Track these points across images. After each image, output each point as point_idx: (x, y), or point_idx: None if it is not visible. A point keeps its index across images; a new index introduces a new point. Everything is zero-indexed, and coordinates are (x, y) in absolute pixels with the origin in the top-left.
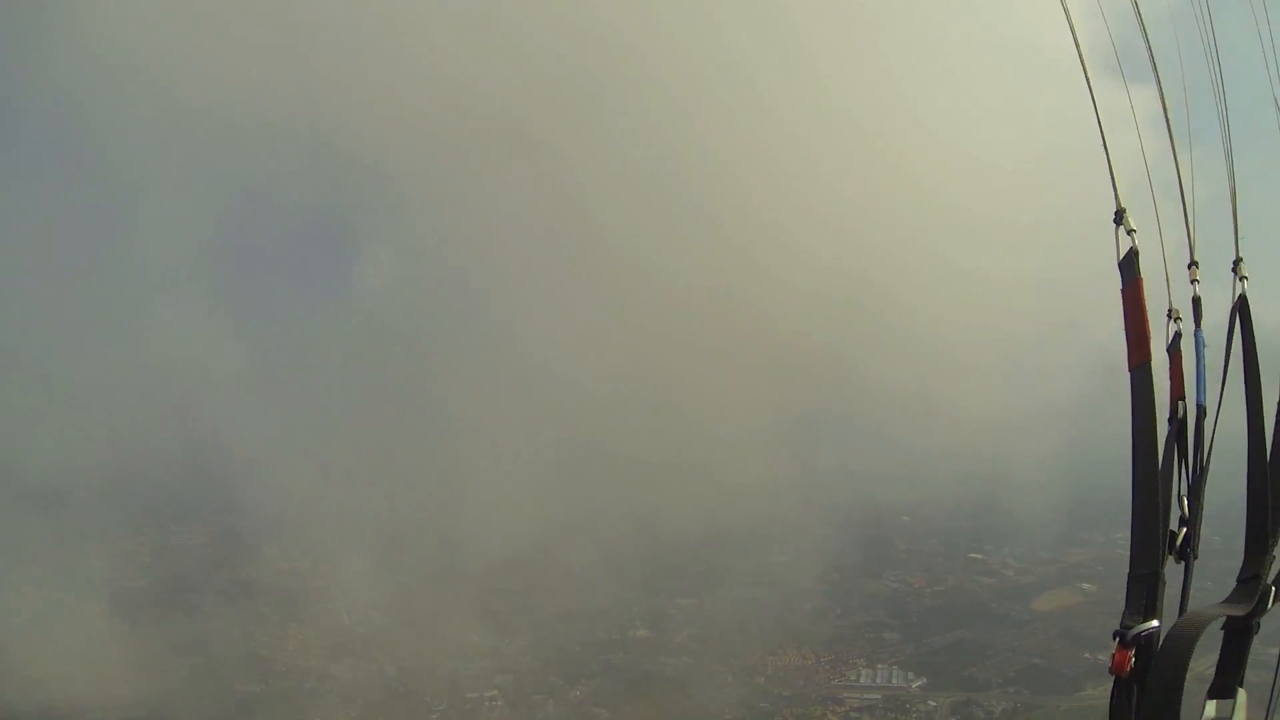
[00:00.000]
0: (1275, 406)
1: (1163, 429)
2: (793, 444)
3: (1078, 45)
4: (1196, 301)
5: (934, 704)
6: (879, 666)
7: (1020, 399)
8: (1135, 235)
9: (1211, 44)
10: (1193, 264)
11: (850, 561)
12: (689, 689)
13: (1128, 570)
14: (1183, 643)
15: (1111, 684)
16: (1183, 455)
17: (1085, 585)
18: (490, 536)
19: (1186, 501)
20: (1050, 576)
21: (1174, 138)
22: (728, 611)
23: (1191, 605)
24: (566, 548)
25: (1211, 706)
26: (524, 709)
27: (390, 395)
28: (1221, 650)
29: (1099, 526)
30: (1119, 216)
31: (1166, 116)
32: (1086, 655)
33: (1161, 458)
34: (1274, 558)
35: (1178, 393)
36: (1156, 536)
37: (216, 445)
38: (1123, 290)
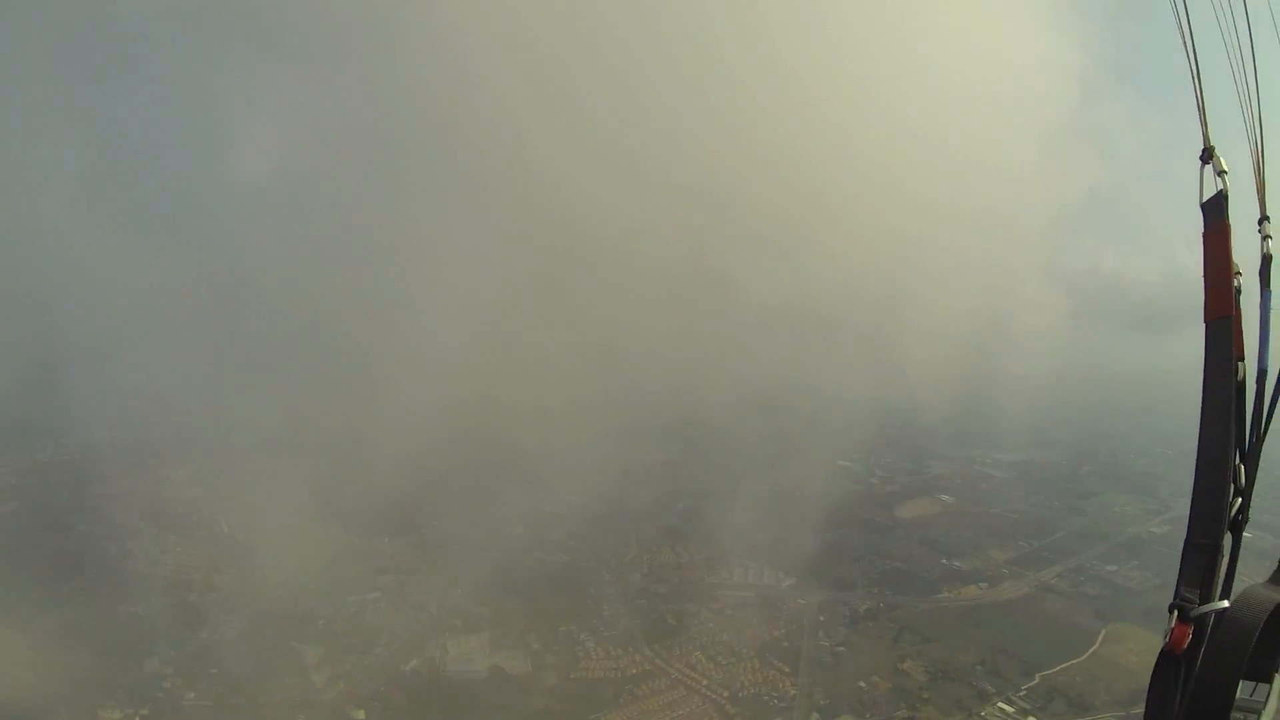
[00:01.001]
0: None
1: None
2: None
3: None
4: (1266, 259)
5: (803, 602)
6: (751, 566)
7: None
8: (1226, 177)
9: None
10: (1264, 219)
11: (730, 464)
12: (568, 586)
13: (1185, 538)
14: (1245, 625)
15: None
16: (1239, 419)
17: (945, 497)
18: (380, 449)
19: (1245, 469)
20: (912, 487)
21: (1245, 84)
22: (601, 512)
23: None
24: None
25: (1246, 688)
26: (407, 610)
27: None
28: (1263, 630)
29: (961, 444)
30: (1207, 155)
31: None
32: (944, 561)
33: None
34: None
35: (1237, 353)
36: (1221, 504)
37: (71, 344)
38: (1205, 234)
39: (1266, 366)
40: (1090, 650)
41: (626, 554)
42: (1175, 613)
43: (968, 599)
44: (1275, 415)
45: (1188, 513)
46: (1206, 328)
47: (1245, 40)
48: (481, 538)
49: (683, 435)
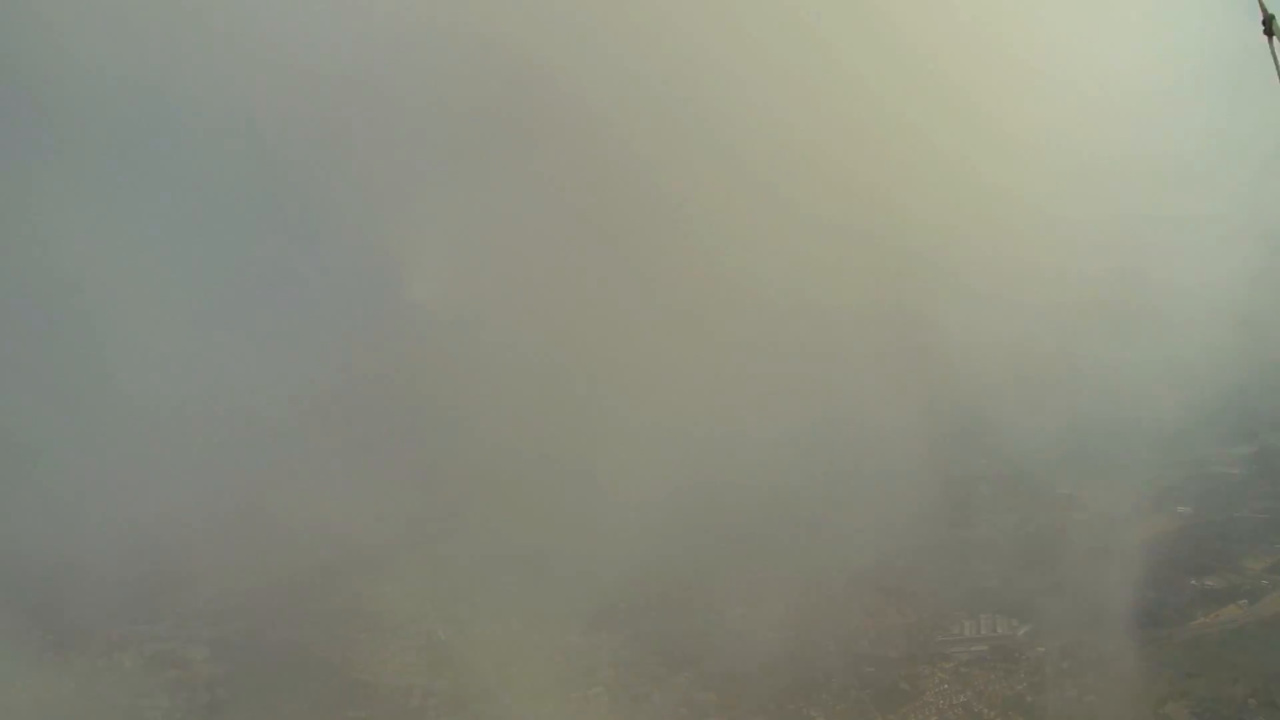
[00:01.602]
0: None
1: None
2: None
3: None
4: None
5: (1042, 649)
6: (981, 617)
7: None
8: None
9: None
10: None
11: (934, 511)
12: (794, 661)
13: None
14: None
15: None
16: None
17: (1181, 509)
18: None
19: None
20: (1143, 503)
21: None
22: (816, 581)
23: None
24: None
25: None
26: (629, 702)
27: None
28: None
29: (1187, 446)
30: (1269, 24)
31: None
32: (1193, 582)
33: None
34: None
35: None
36: None
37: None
38: None
39: None
40: None
41: (850, 621)
42: None
43: (1227, 620)
44: None
45: None
46: None
47: None
48: (700, 624)
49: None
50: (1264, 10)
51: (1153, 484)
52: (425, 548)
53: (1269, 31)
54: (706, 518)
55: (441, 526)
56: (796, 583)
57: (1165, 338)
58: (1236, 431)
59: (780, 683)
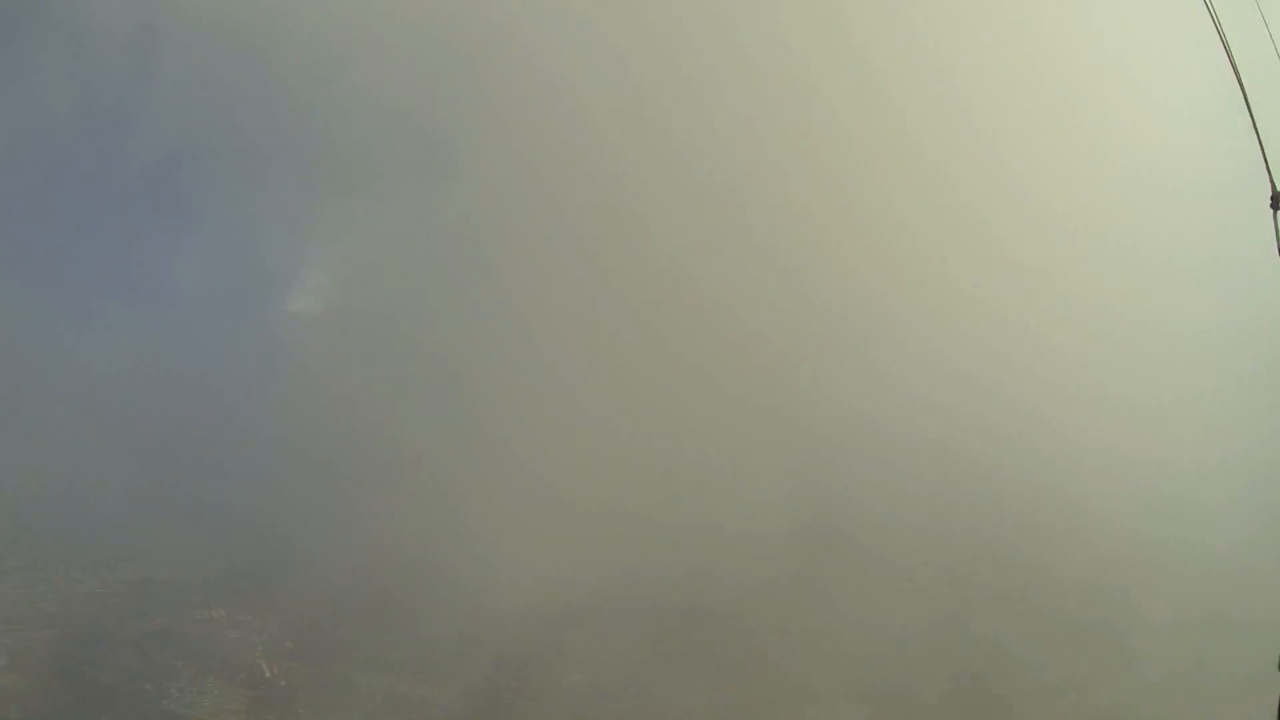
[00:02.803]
0: None
1: None
2: None
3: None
4: None
5: None
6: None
7: None
8: None
9: None
10: None
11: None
12: None
13: None
14: None
15: None
16: None
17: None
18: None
19: None
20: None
21: None
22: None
23: None
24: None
25: None
26: None
27: None
28: None
29: None
30: (1277, 201)
31: None
32: None
33: None
34: None
35: None
36: None
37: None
38: None
39: None
40: None
41: None
42: None
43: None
44: None
45: None
46: None
47: None
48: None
49: None
50: (1274, 186)
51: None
52: (261, 574)
53: (1275, 206)
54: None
55: (282, 551)
56: None
57: None
58: None
59: None
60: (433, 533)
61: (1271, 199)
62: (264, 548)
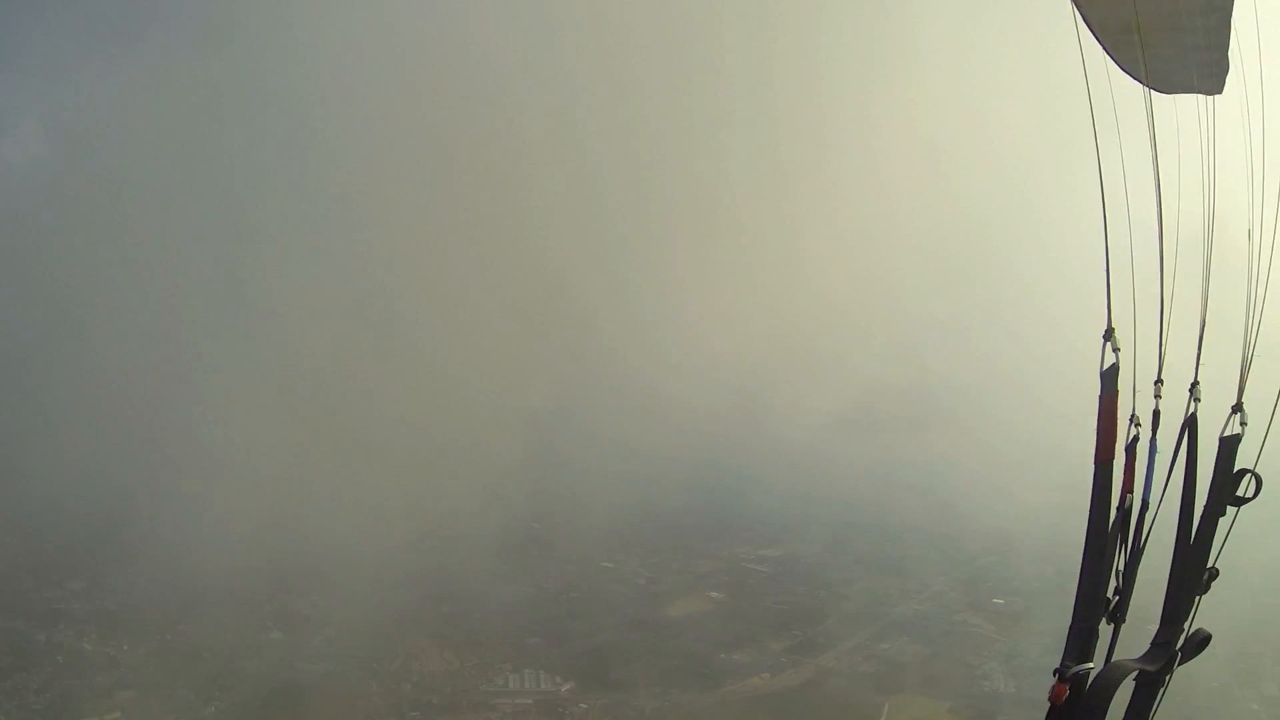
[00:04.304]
0: (1200, 509)
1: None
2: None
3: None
4: (1156, 415)
5: (585, 706)
6: (526, 671)
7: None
8: (1119, 354)
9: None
10: (1159, 380)
11: (485, 567)
12: (332, 699)
13: (1070, 623)
14: (1108, 685)
15: (1047, 710)
16: (1124, 538)
17: (713, 594)
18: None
19: (1123, 576)
20: (680, 585)
21: (1163, 265)
22: (361, 615)
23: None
24: None
25: None
26: None
27: None
28: (1133, 696)
29: (723, 542)
30: (1108, 334)
31: (1161, 243)
32: (722, 655)
33: (1108, 537)
34: (1183, 630)
35: (1128, 487)
36: (1098, 599)
37: None
38: (1100, 397)
39: (1148, 499)
40: None
41: (393, 662)
42: (1056, 675)
43: (752, 689)
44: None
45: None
46: (1095, 467)
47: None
48: (234, 643)
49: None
50: (1109, 321)
51: (687, 569)
52: None
53: (1106, 338)
54: None
55: None
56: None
57: None
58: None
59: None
60: (121, 490)
61: (1105, 332)
62: None
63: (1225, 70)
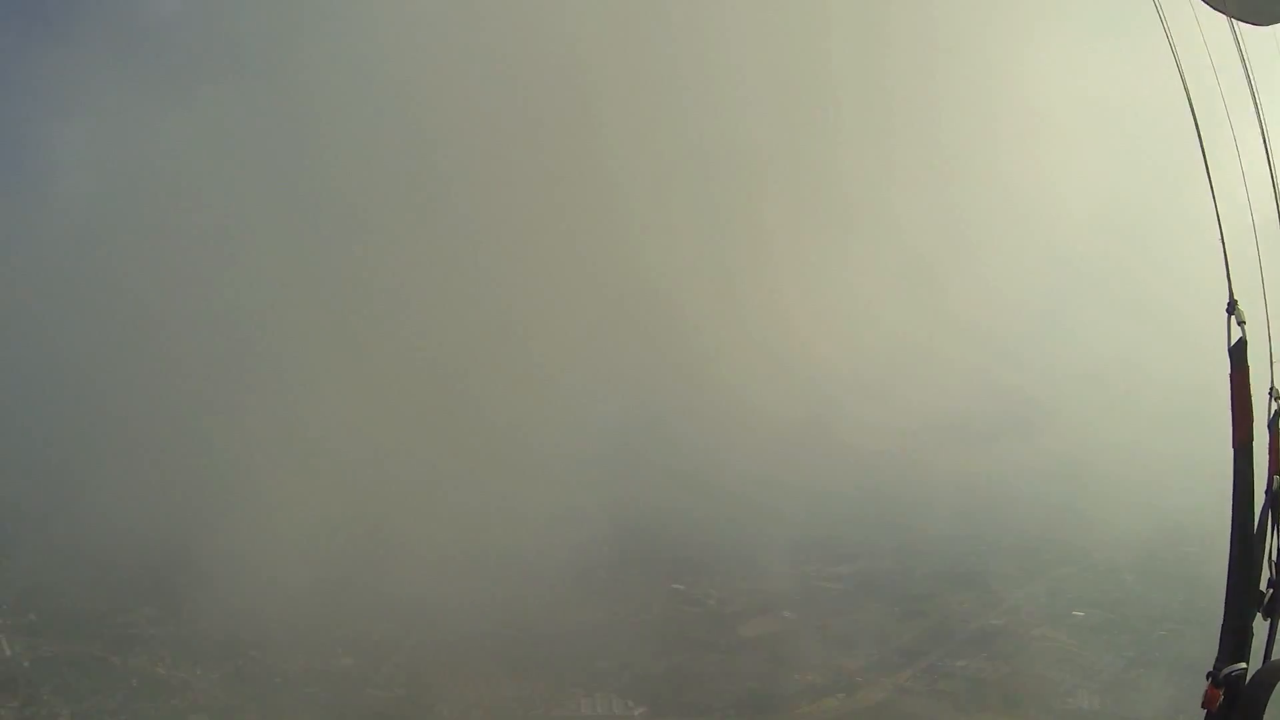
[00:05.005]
0: None
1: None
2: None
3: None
4: None
5: None
6: (598, 695)
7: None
8: (1245, 327)
9: None
10: None
11: (556, 592)
12: None
13: (1221, 622)
14: (1265, 685)
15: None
16: (1277, 524)
17: (786, 613)
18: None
19: (1276, 566)
20: (752, 605)
21: None
22: (432, 640)
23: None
24: None
25: None
26: None
27: None
28: None
29: (790, 559)
30: (1232, 307)
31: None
32: (797, 676)
33: (1257, 524)
34: None
35: (1275, 467)
36: (1248, 595)
37: None
38: (1231, 375)
39: None
40: None
41: (464, 688)
42: (1209, 679)
43: (827, 711)
44: None
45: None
46: (1234, 451)
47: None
48: (305, 669)
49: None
50: (1231, 294)
51: (757, 589)
52: None
53: (1230, 311)
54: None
55: None
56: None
57: None
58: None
59: None
60: (193, 515)
61: (1228, 305)
62: None
63: None
